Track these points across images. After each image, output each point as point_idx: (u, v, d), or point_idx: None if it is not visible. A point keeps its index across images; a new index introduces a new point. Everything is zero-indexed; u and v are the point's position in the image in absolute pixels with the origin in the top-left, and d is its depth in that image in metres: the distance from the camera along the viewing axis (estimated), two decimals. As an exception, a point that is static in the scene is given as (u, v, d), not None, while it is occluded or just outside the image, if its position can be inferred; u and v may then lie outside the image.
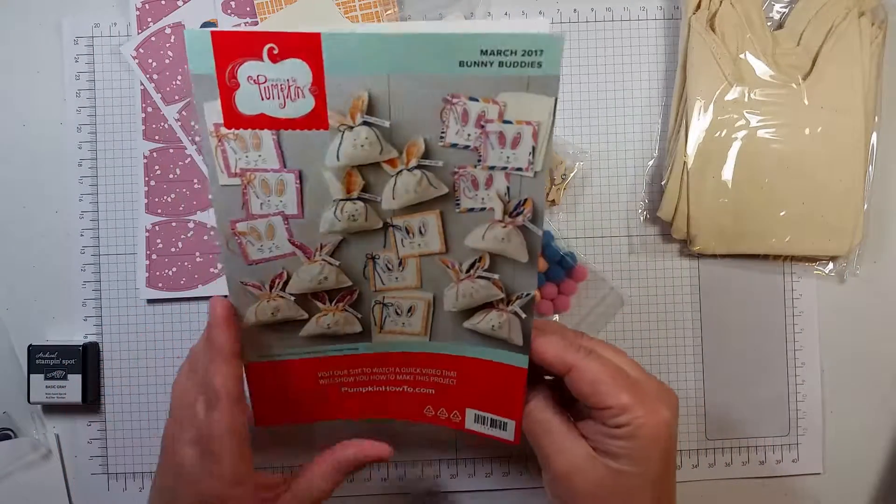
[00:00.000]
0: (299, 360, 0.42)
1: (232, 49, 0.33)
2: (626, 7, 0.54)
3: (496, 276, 0.39)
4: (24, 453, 0.52)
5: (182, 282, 0.52)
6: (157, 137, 0.53)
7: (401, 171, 0.37)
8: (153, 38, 0.52)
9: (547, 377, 0.41)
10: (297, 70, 0.34)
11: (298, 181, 0.37)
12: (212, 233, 0.52)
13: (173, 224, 0.52)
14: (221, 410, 0.38)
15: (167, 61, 0.52)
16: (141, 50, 0.52)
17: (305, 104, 0.35)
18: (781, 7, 0.53)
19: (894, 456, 0.54)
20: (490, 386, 0.41)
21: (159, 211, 0.52)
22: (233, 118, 0.35)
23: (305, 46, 0.34)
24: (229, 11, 0.52)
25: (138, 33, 0.52)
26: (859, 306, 0.54)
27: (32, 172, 0.53)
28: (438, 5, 0.52)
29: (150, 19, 0.52)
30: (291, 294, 0.40)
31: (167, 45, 0.52)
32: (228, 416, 0.38)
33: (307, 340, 0.41)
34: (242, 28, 0.52)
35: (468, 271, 0.39)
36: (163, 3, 0.52)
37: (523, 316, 0.39)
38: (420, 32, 0.33)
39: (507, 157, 0.36)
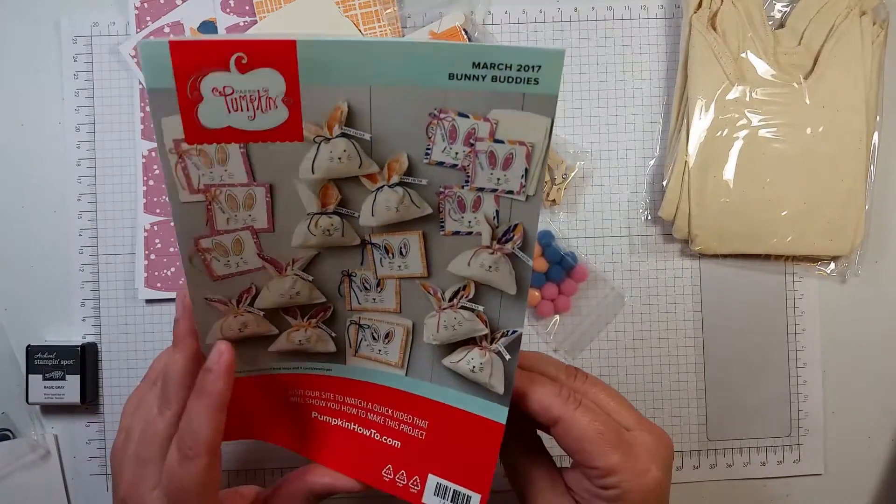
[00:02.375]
0: (267, 376, 0.39)
1: (194, 60, 0.30)
2: (626, 6, 0.53)
3: (481, 308, 0.36)
4: (22, 454, 0.52)
5: (181, 282, 0.52)
6: (155, 136, 0.52)
7: (381, 187, 0.34)
8: (152, 38, 0.52)
9: None
10: (269, 80, 0.31)
11: (269, 195, 0.34)
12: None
13: (172, 224, 0.52)
14: (200, 465, 0.34)
15: (166, 60, 0.52)
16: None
17: (278, 115, 0.32)
18: (782, 6, 0.53)
19: (895, 456, 0.54)
20: (460, 444, 0.37)
21: (158, 211, 0.52)
22: (195, 133, 0.32)
23: (279, 55, 0.31)
24: (228, 10, 0.52)
25: (137, 32, 0.52)
26: (861, 306, 0.54)
27: (31, 172, 0.53)
28: (438, 4, 0.52)
29: (148, 18, 0.52)
30: (260, 309, 0.37)
31: (166, 44, 0.52)
32: (208, 471, 0.34)
33: (277, 357, 0.39)
34: (242, 26, 0.52)
35: (451, 300, 0.36)
36: (161, 1, 0.52)
37: (507, 357, 0.35)
38: (406, 41, 0.32)
39: (498, 179, 0.33)
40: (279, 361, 0.39)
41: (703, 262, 0.54)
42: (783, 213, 0.51)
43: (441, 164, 0.33)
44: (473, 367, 0.36)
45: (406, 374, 0.38)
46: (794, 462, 0.54)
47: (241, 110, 0.32)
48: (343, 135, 0.33)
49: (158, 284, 0.52)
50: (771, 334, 0.54)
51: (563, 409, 0.35)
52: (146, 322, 0.53)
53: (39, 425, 0.53)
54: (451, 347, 0.37)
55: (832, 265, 0.53)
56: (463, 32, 0.51)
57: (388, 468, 0.38)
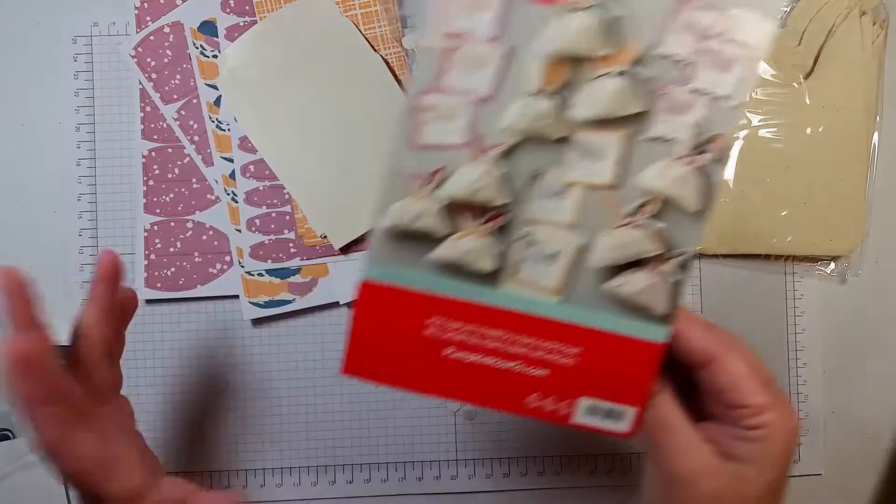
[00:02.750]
0: (414, 293, 0.36)
1: None
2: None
3: (658, 227, 0.35)
4: (22, 453, 0.52)
5: (181, 282, 0.52)
6: (155, 137, 0.52)
7: (605, 74, 0.34)
8: (152, 38, 0.52)
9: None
10: None
11: (504, 60, 0.34)
12: (211, 232, 0.52)
13: (172, 224, 0.52)
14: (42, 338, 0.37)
15: (166, 60, 0.52)
16: (139, 49, 0.52)
17: None
18: (783, 6, 0.53)
19: (895, 457, 0.54)
20: (616, 366, 0.37)
21: (158, 211, 0.52)
22: None
23: None
24: (228, 10, 0.52)
25: (137, 32, 0.52)
26: (861, 307, 0.54)
27: (31, 172, 0.53)
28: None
29: (148, 18, 0.52)
30: (441, 199, 0.35)
31: (166, 44, 0.52)
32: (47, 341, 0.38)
33: (433, 268, 0.36)
34: (242, 26, 0.52)
35: (630, 216, 0.35)
36: (161, 1, 0.52)
37: (676, 279, 0.35)
38: None
39: (714, 82, 0.33)
40: (432, 276, 0.37)
41: (702, 262, 0.54)
42: (783, 213, 0.51)
43: (669, 56, 0.33)
44: (637, 290, 0.35)
45: (561, 301, 0.37)
46: (794, 462, 0.54)
47: None
48: (594, 6, 0.33)
49: (158, 284, 0.52)
50: (771, 334, 0.54)
51: (719, 348, 0.35)
52: (146, 322, 0.53)
53: (39, 425, 0.53)
54: (616, 270, 0.36)
55: (832, 265, 0.53)
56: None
57: (533, 396, 0.38)
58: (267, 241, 0.52)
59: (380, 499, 0.53)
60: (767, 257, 0.53)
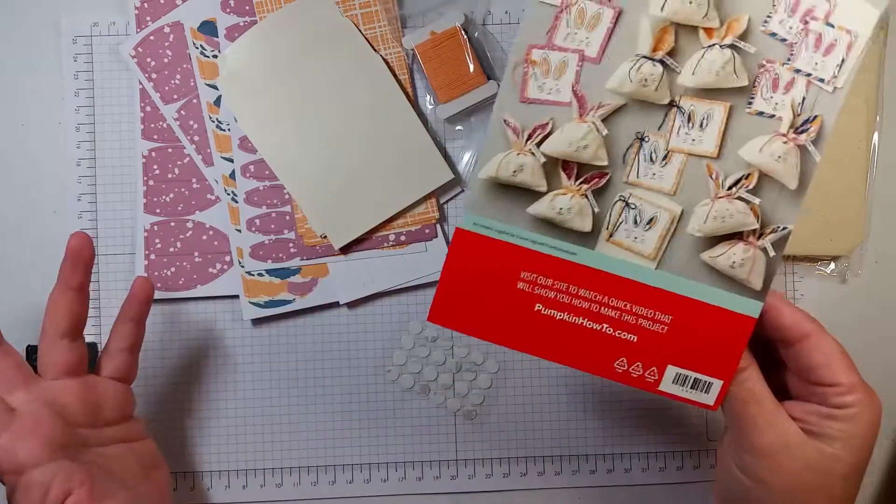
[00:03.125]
0: (509, 245, 0.37)
1: None
2: (626, 6, 0.53)
3: (757, 201, 0.35)
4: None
5: (181, 282, 0.52)
6: (155, 137, 0.52)
7: (713, 45, 0.35)
8: (152, 38, 0.52)
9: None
10: None
11: (614, 21, 0.35)
12: (211, 232, 0.52)
13: (172, 224, 0.52)
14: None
15: (166, 60, 0.52)
16: (139, 49, 0.52)
17: None
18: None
19: (894, 457, 0.54)
20: (705, 337, 0.37)
21: (158, 211, 0.52)
22: None
23: None
24: (228, 10, 0.52)
25: (137, 32, 0.52)
26: (861, 306, 0.54)
27: (31, 172, 0.53)
28: (438, 4, 0.52)
29: (148, 18, 0.52)
30: (544, 155, 0.36)
31: (166, 44, 0.52)
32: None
33: (530, 223, 0.37)
34: (242, 26, 0.52)
35: (730, 188, 0.36)
36: (161, 1, 0.52)
37: (772, 254, 0.36)
38: None
39: (816, 63, 0.34)
40: (528, 230, 0.37)
41: (703, 262, 0.54)
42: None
43: (774, 34, 0.34)
44: (734, 262, 0.36)
45: (656, 268, 0.37)
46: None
47: None
48: None
49: (159, 284, 0.52)
50: (771, 334, 0.54)
51: (812, 325, 0.36)
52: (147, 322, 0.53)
53: (39, 425, 0.53)
54: (713, 241, 0.36)
55: (832, 265, 0.53)
56: (462, 32, 0.51)
57: (622, 360, 0.38)
58: (267, 241, 0.52)
59: (380, 499, 0.53)
60: (767, 257, 0.53)
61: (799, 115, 0.35)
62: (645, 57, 0.35)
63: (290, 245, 0.52)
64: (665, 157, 0.36)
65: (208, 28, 0.52)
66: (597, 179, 0.37)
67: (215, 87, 0.52)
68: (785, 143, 0.35)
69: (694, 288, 0.37)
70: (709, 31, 0.35)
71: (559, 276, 0.38)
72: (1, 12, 0.53)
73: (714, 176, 0.36)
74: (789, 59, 0.34)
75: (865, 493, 0.54)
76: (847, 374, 0.35)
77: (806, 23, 0.34)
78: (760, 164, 0.35)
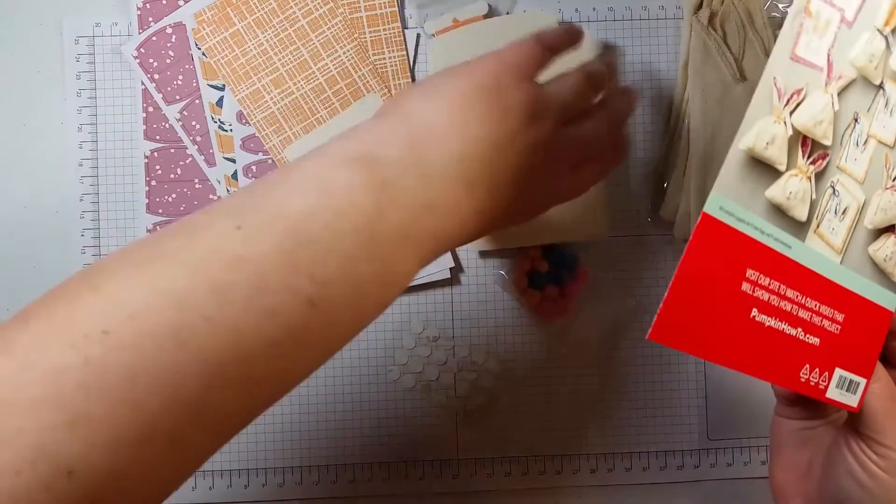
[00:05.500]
0: (744, 236, 0.32)
1: None
2: (628, 7, 0.54)
3: None
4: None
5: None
6: (157, 137, 0.52)
7: None
8: (154, 38, 0.52)
9: None
10: None
11: None
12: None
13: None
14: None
15: (168, 61, 0.52)
16: (142, 49, 0.52)
17: None
18: (784, 6, 0.53)
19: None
20: (860, 335, 0.35)
21: (160, 211, 0.52)
22: None
23: None
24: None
25: (139, 33, 0.52)
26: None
27: (33, 172, 0.53)
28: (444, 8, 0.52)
29: (151, 19, 0.52)
30: (793, 126, 0.32)
31: (168, 44, 0.52)
32: None
33: (764, 209, 0.33)
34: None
35: (894, 179, 0.34)
36: (164, 2, 0.52)
37: None
38: None
39: None
40: (761, 217, 0.33)
41: (703, 262, 0.54)
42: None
43: None
44: (886, 255, 0.35)
45: (841, 262, 0.35)
46: None
47: None
48: None
49: (162, 284, 0.52)
50: (771, 334, 0.54)
51: None
52: (148, 322, 0.53)
53: (41, 425, 0.53)
54: (876, 234, 0.35)
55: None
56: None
57: (806, 368, 0.35)
58: None
59: (381, 498, 0.53)
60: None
61: None
62: (878, 30, 0.33)
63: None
64: (865, 141, 0.34)
65: (210, 29, 0.52)
66: (820, 161, 0.34)
67: (217, 88, 0.52)
68: None
69: (862, 283, 0.35)
70: None
71: (776, 274, 0.33)
72: (3, 13, 0.53)
73: (888, 166, 0.35)
74: None
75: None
76: None
77: None
78: None
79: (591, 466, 0.53)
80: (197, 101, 0.52)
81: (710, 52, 0.51)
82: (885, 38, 0.33)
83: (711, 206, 0.31)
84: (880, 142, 0.34)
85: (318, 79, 0.52)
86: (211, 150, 0.52)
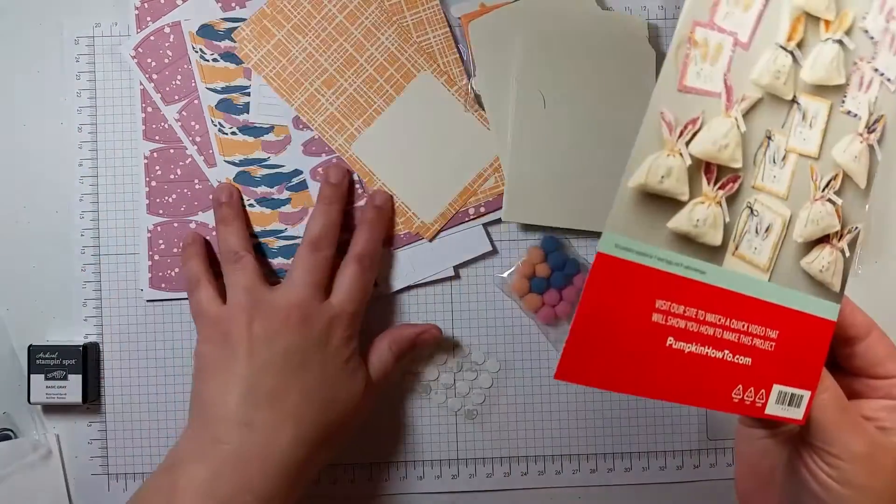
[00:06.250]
0: (647, 269, 0.32)
1: None
2: (627, 7, 0.54)
3: (840, 202, 0.34)
4: (24, 454, 0.52)
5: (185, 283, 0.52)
6: (157, 138, 0.52)
7: (827, 39, 0.33)
8: (152, 38, 0.52)
9: None
10: None
11: (764, 4, 0.32)
12: (214, 233, 0.52)
13: (175, 225, 0.52)
14: (373, 274, 0.50)
15: (166, 61, 0.52)
16: (140, 49, 0.52)
17: None
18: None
19: (894, 455, 0.55)
20: (799, 349, 0.35)
21: (161, 212, 0.52)
22: None
23: None
24: (230, 11, 0.52)
25: (137, 32, 0.52)
26: (861, 307, 0.54)
27: (33, 172, 0.53)
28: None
29: (149, 18, 0.52)
30: (691, 155, 0.32)
31: (166, 44, 0.52)
32: (370, 287, 0.50)
33: (667, 240, 0.32)
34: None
35: (823, 190, 0.34)
36: (162, 2, 0.52)
37: (848, 255, 0.35)
38: None
39: (888, 64, 0.34)
40: (665, 248, 0.32)
41: (703, 262, 0.54)
42: (783, 214, 0.51)
43: (866, 32, 0.34)
44: (822, 266, 0.35)
45: (769, 279, 0.34)
46: None
47: None
48: None
49: (163, 285, 0.52)
50: (771, 334, 0.54)
51: (873, 322, 0.36)
52: (148, 322, 0.53)
53: (41, 425, 0.53)
54: (808, 246, 0.35)
55: (832, 265, 0.54)
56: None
57: (738, 388, 0.35)
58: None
59: (381, 497, 0.53)
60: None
61: (871, 115, 0.34)
62: (781, 47, 0.33)
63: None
64: (784, 157, 0.34)
65: (207, 32, 0.52)
66: (731, 184, 0.33)
67: (216, 91, 0.52)
68: (861, 142, 0.34)
69: (795, 297, 0.35)
70: (827, 23, 0.33)
71: (690, 301, 0.33)
72: (2, 13, 0.53)
73: (815, 178, 0.34)
74: (872, 59, 0.34)
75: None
76: None
77: (888, 22, 0.34)
78: (844, 164, 0.34)
79: (591, 466, 0.53)
80: (196, 102, 0.52)
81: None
82: (791, 53, 0.33)
83: (605, 245, 0.31)
84: (803, 155, 0.34)
85: (367, 70, 0.52)
86: (210, 151, 0.52)
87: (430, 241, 0.52)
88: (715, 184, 0.33)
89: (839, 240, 0.35)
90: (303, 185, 0.52)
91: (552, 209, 0.51)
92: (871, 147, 0.34)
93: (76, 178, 0.53)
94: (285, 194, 0.52)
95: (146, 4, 0.52)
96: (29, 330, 0.53)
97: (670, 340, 0.33)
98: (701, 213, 0.32)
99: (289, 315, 0.45)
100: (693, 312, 0.33)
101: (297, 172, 0.52)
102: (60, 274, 0.53)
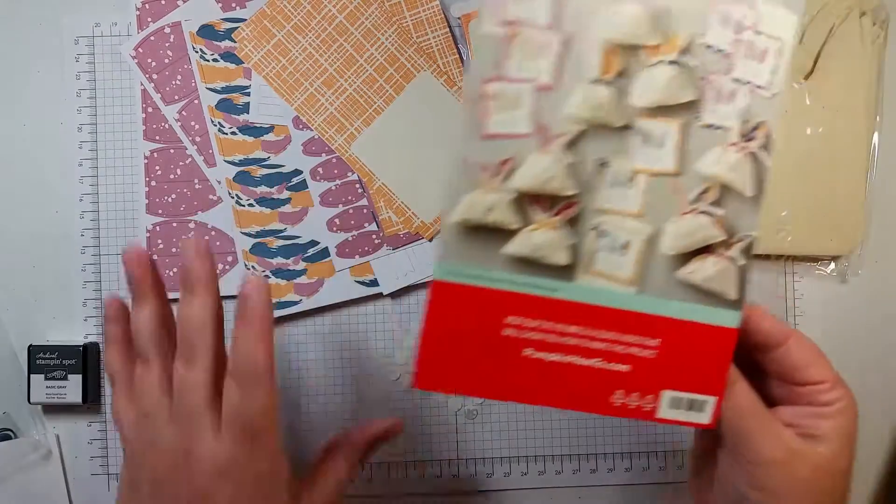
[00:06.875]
0: (490, 290, 0.35)
1: None
2: (627, 7, 0.54)
3: (721, 213, 0.35)
4: (24, 454, 0.52)
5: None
6: (157, 138, 0.52)
7: (657, 63, 0.35)
8: (152, 38, 0.52)
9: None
10: None
11: (562, 46, 0.34)
12: (213, 233, 0.52)
13: (174, 224, 0.52)
14: (267, 389, 0.36)
15: (166, 61, 0.52)
16: (140, 49, 0.52)
17: None
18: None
19: (895, 456, 0.55)
20: (693, 355, 0.36)
21: (160, 211, 0.52)
22: None
23: None
24: (230, 12, 0.52)
25: (138, 32, 0.52)
26: (861, 306, 0.54)
27: (32, 172, 0.53)
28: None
29: (149, 19, 0.52)
30: (514, 190, 0.34)
31: (166, 44, 0.52)
32: (273, 393, 0.37)
33: (507, 263, 0.35)
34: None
35: (693, 203, 0.35)
36: (162, 2, 0.52)
37: (742, 262, 0.36)
38: None
39: (753, 71, 0.35)
40: (507, 271, 0.35)
41: (703, 262, 0.54)
42: (783, 213, 0.51)
43: (711, 47, 0.35)
44: (709, 276, 0.36)
45: (637, 292, 0.36)
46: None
47: None
48: None
49: (161, 285, 0.52)
50: (771, 334, 0.54)
51: (788, 329, 0.36)
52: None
53: (41, 425, 0.53)
54: (686, 258, 0.36)
55: (832, 265, 0.54)
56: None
57: (618, 393, 0.37)
58: (351, 238, 0.53)
59: (381, 498, 0.53)
60: (768, 257, 0.54)
61: (746, 123, 0.35)
62: (597, 80, 0.35)
63: (374, 237, 0.53)
64: (630, 179, 0.36)
65: (207, 32, 0.52)
66: (567, 210, 0.35)
67: (216, 91, 0.52)
68: (737, 152, 0.35)
69: (677, 307, 0.36)
70: (653, 49, 0.35)
71: (545, 316, 0.36)
72: (2, 13, 0.53)
73: (678, 193, 0.36)
74: (729, 70, 0.35)
75: (865, 492, 0.55)
76: (829, 370, 0.36)
77: (738, 32, 0.35)
78: (717, 176, 0.35)
79: (591, 466, 0.53)
80: (196, 102, 0.52)
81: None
82: (609, 84, 0.34)
83: (438, 273, 0.34)
84: (655, 173, 0.35)
85: (367, 70, 0.52)
86: (210, 151, 0.52)
87: (430, 241, 0.52)
88: (549, 210, 0.35)
89: (727, 249, 0.36)
90: (303, 185, 0.52)
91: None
92: (753, 155, 0.35)
93: (76, 178, 0.53)
94: (285, 194, 0.52)
95: (147, 5, 0.52)
96: (29, 330, 0.53)
97: (528, 351, 0.35)
98: (539, 239, 0.35)
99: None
100: (550, 326, 0.35)
101: (297, 172, 0.52)
102: (60, 274, 0.53)
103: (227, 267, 0.52)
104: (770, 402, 0.36)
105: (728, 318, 0.36)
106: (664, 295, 0.36)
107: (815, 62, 0.51)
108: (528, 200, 0.35)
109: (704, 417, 0.36)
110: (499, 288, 0.35)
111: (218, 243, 0.52)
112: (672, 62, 0.35)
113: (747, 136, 0.35)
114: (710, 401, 0.36)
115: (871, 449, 0.55)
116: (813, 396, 0.35)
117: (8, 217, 0.53)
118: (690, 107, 0.35)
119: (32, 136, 0.53)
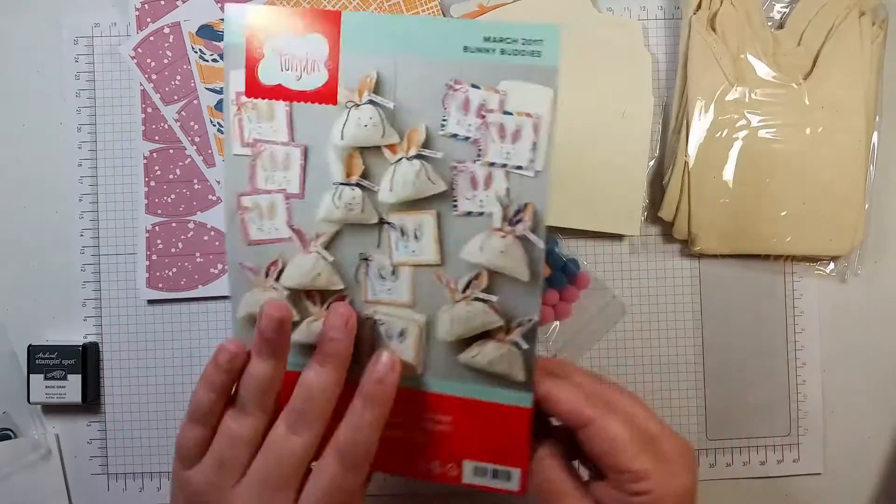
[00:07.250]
0: (293, 373, 0.36)
1: (263, 23, 0.35)
2: (626, 7, 0.54)
3: (495, 299, 0.36)
4: (23, 453, 0.52)
5: (182, 282, 0.52)
6: (156, 138, 0.52)
7: (400, 159, 0.35)
8: (151, 38, 0.52)
9: (554, 422, 0.38)
10: (316, 44, 0.35)
11: (303, 158, 0.36)
12: (212, 233, 0.52)
13: (173, 224, 0.52)
14: (365, 473, 0.35)
15: (165, 61, 0.52)
16: (139, 50, 0.52)
17: (319, 78, 0.35)
18: (782, 7, 0.53)
19: (895, 456, 0.54)
20: (490, 431, 0.37)
21: (159, 211, 0.52)
22: (253, 87, 0.36)
23: (327, 22, 0.35)
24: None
25: (137, 33, 0.52)
26: (860, 306, 0.54)
27: (32, 172, 0.53)
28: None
29: (149, 19, 0.52)
30: (285, 287, 0.37)
31: (165, 44, 0.52)
32: (368, 477, 0.36)
33: (298, 350, 0.37)
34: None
35: (464, 290, 0.36)
36: (162, 3, 0.52)
37: (525, 346, 0.36)
38: (429, 17, 0.33)
39: (508, 153, 0.35)
40: (299, 356, 0.37)
41: (702, 262, 0.54)
42: (783, 214, 0.51)
43: (455, 135, 0.35)
44: (491, 360, 0.36)
45: (423, 374, 0.37)
46: (794, 461, 0.54)
47: (292, 69, 0.36)
48: (371, 102, 0.35)
49: (160, 285, 0.52)
50: (770, 334, 0.54)
51: (594, 412, 0.34)
52: (147, 322, 0.53)
53: (41, 425, 0.53)
54: (467, 342, 0.37)
55: (832, 265, 0.54)
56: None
57: (421, 460, 0.38)
58: None
59: (381, 498, 0.53)
60: (767, 257, 0.53)
61: (508, 207, 0.35)
62: (342, 184, 0.36)
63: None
64: (394, 272, 0.37)
65: (207, 32, 0.52)
66: (338, 302, 0.37)
67: (215, 91, 0.52)
68: (503, 237, 0.35)
69: (464, 388, 0.37)
70: (392, 147, 0.35)
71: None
72: (2, 13, 0.53)
73: (445, 282, 0.36)
74: (479, 156, 0.35)
75: (866, 492, 0.55)
76: (636, 460, 0.33)
77: (483, 117, 0.35)
78: (485, 263, 0.35)
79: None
80: (195, 102, 0.52)
81: (709, 52, 0.51)
82: (358, 184, 0.36)
83: None
84: (418, 265, 0.36)
85: None
86: (210, 151, 0.52)
87: None
88: (321, 304, 0.37)
89: (507, 333, 0.36)
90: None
91: (553, 209, 0.51)
92: (522, 238, 0.35)
93: (76, 178, 0.53)
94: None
95: (146, 6, 0.52)
96: (29, 330, 0.53)
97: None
98: (317, 328, 0.37)
99: None
100: (344, 404, 0.36)
101: (296, 172, 0.52)
102: (60, 274, 0.53)
103: (225, 267, 0.52)
104: (597, 472, 0.36)
105: (519, 399, 0.37)
106: (450, 377, 0.37)
107: (815, 62, 0.51)
108: (303, 296, 0.37)
109: (512, 485, 0.38)
110: (291, 370, 0.36)
111: (217, 243, 0.52)
112: (414, 157, 0.35)
113: (513, 220, 0.35)
114: (515, 472, 0.37)
115: (871, 449, 0.55)
116: (620, 483, 0.34)
117: (8, 217, 0.53)
118: (444, 197, 0.35)
119: (32, 136, 0.53)
